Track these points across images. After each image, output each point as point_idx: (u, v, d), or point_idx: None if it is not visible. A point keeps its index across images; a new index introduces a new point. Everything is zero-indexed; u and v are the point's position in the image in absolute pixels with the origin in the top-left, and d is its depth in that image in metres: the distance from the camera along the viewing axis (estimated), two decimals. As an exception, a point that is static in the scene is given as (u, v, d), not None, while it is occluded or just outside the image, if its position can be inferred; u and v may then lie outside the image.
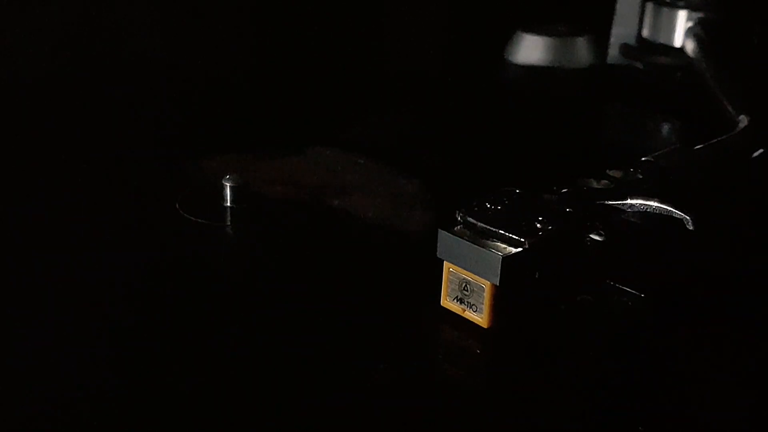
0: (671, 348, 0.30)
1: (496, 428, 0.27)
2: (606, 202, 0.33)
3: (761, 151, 0.42)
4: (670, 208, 0.33)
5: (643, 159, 0.37)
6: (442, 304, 0.31)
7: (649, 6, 0.59)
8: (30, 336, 0.30)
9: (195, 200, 0.38)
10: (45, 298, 0.32)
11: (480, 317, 0.30)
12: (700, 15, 0.56)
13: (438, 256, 0.30)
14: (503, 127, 0.50)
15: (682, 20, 0.57)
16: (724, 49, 0.54)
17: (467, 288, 0.30)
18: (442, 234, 0.30)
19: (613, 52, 0.60)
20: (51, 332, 0.30)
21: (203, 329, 0.30)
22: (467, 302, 0.30)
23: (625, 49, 0.60)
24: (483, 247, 0.29)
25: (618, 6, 0.61)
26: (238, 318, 0.31)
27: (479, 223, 0.30)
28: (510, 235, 0.29)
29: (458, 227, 0.30)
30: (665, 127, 0.52)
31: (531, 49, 0.58)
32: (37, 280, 0.33)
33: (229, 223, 0.37)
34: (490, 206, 0.31)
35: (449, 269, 0.30)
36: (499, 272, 0.29)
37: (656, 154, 0.37)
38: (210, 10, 0.56)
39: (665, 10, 0.58)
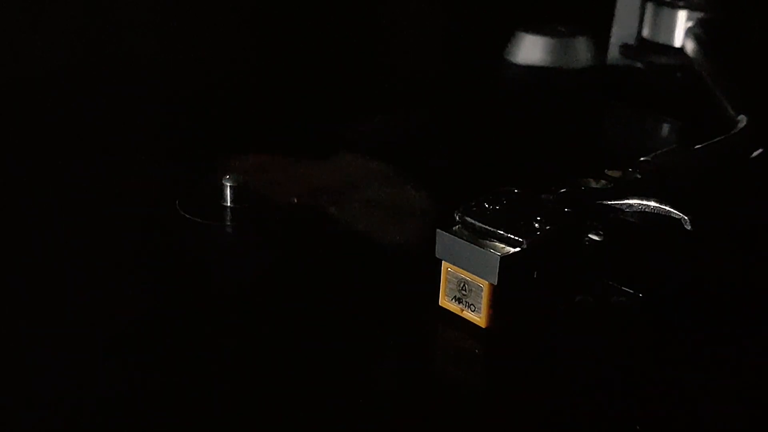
0: (669, 348, 0.30)
1: (495, 428, 0.27)
2: (604, 202, 0.33)
3: (761, 151, 0.42)
4: (668, 208, 0.33)
5: (641, 159, 0.37)
6: (440, 303, 0.31)
7: (649, 6, 0.59)
8: (30, 336, 0.30)
9: (195, 200, 0.39)
10: (45, 298, 0.32)
11: (478, 317, 0.30)
12: (700, 15, 0.56)
13: (436, 256, 0.30)
14: (502, 126, 0.50)
15: (682, 20, 0.57)
16: (724, 49, 0.54)
17: (466, 288, 0.30)
18: (441, 234, 0.30)
19: (613, 52, 0.60)
20: (51, 332, 0.30)
21: (203, 329, 0.30)
22: (465, 302, 0.30)
23: (625, 49, 0.60)
24: (481, 247, 0.29)
25: (618, 6, 0.61)
26: (238, 318, 0.31)
27: (478, 223, 0.30)
28: (508, 235, 0.29)
29: (457, 227, 0.30)
30: (664, 127, 0.52)
31: (531, 49, 0.58)
32: (37, 279, 0.33)
33: (229, 223, 0.37)
34: (489, 206, 0.31)
35: (448, 269, 0.30)
36: (497, 272, 0.29)
37: (655, 154, 0.37)
38: (212, 9, 0.56)
39: (665, 10, 0.58)
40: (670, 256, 0.34)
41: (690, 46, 0.56)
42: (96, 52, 0.52)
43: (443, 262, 0.30)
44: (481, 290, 0.30)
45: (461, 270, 0.30)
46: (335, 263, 0.35)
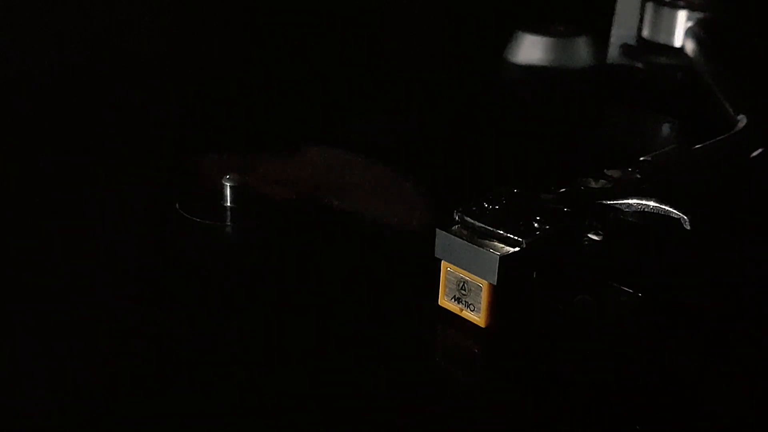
0: (669, 347, 0.30)
1: (494, 428, 0.27)
2: (604, 202, 0.33)
3: (760, 150, 0.42)
4: (667, 208, 0.33)
5: (641, 159, 0.37)
6: (439, 303, 0.31)
7: (649, 6, 0.59)
8: (29, 335, 0.30)
9: (195, 200, 0.39)
10: (45, 298, 0.32)
11: (478, 317, 0.30)
12: (700, 15, 0.57)
13: (436, 255, 0.30)
14: (502, 126, 0.50)
15: (682, 20, 0.57)
16: (724, 49, 0.54)
17: (465, 287, 0.30)
18: (440, 233, 0.30)
19: (613, 52, 0.60)
20: (50, 332, 0.30)
21: (203, 329, 0.30)
22: (465, 302, 0.30)
23: (625, 49, 0.60)
24: (481, 246, 0.29)
25: (618, 6, 0.61)
26: (238, 318, 0.31)
27: (477, 223, 0.30)
28: (508, 234, 0.29)
29: (456, 227, 0.30)
30: (664, 127, 0.52)
31: (531, 49, 0.58)
32: (37, 279, 0.33)
33: (229, 223, 0.37)
34: (488, 206, 0.31)
35: (447, 269, 0.30)
36: (496, 272, 0.29)
37: (655, 153, 0.37)
38: (211, 9, 0.56)
39: (665, 10, 0.58)
40: (669, 256, 0.34)
41: (690, 46, 0.56)
42: (96, 51, 0.52)
43: (443, 261, 0.30)
44: (481, 290, 0.30)
45: (461, 269, 0.30)
46: (335, 263, 0.35)
